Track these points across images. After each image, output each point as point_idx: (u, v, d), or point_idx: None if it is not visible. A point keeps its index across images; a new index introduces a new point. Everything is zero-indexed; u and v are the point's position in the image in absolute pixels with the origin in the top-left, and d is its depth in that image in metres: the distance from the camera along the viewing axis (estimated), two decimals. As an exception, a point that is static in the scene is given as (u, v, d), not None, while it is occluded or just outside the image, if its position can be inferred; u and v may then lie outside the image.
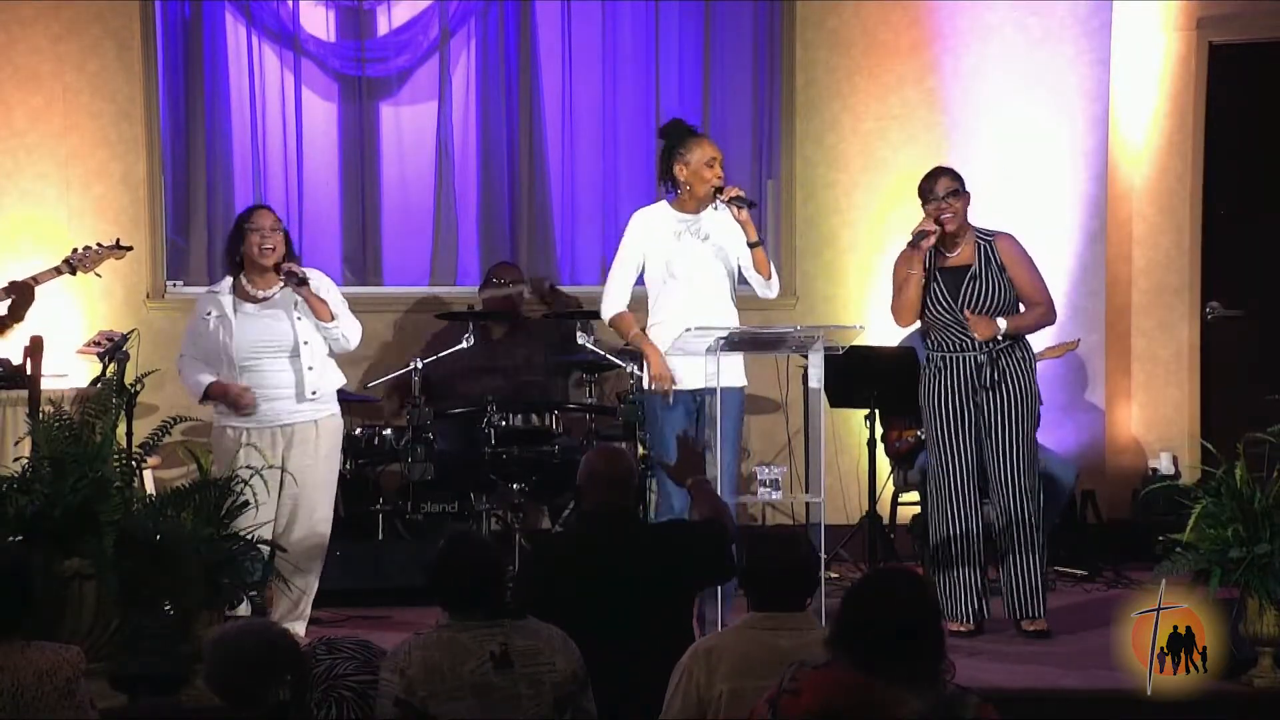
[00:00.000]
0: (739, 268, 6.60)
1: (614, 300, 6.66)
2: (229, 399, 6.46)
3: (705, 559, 5.09)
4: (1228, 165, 8.72)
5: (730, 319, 6.55)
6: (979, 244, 6.65)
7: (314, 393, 6.52)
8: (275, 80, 8.75)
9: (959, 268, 6.63)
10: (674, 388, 6.49)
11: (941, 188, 6.62)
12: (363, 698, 4.43)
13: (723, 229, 6.55)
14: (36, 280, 6.96)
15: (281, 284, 6.54)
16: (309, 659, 4.46)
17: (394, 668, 4.29)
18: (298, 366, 6.50)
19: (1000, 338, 6.59)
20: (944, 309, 6.63)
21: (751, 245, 6.50)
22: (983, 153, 8.53)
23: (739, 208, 6.45)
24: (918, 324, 8.10)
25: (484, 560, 4.43)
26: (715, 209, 6.57)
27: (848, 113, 8.66)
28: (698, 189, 6.53)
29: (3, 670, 4.28)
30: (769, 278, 6.57)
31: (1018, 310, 6.67)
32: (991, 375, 6.60)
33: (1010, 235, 6.74)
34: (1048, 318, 6.80)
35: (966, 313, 6.57)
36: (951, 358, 6.65)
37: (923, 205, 6.65)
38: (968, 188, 6.68)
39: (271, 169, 8.74)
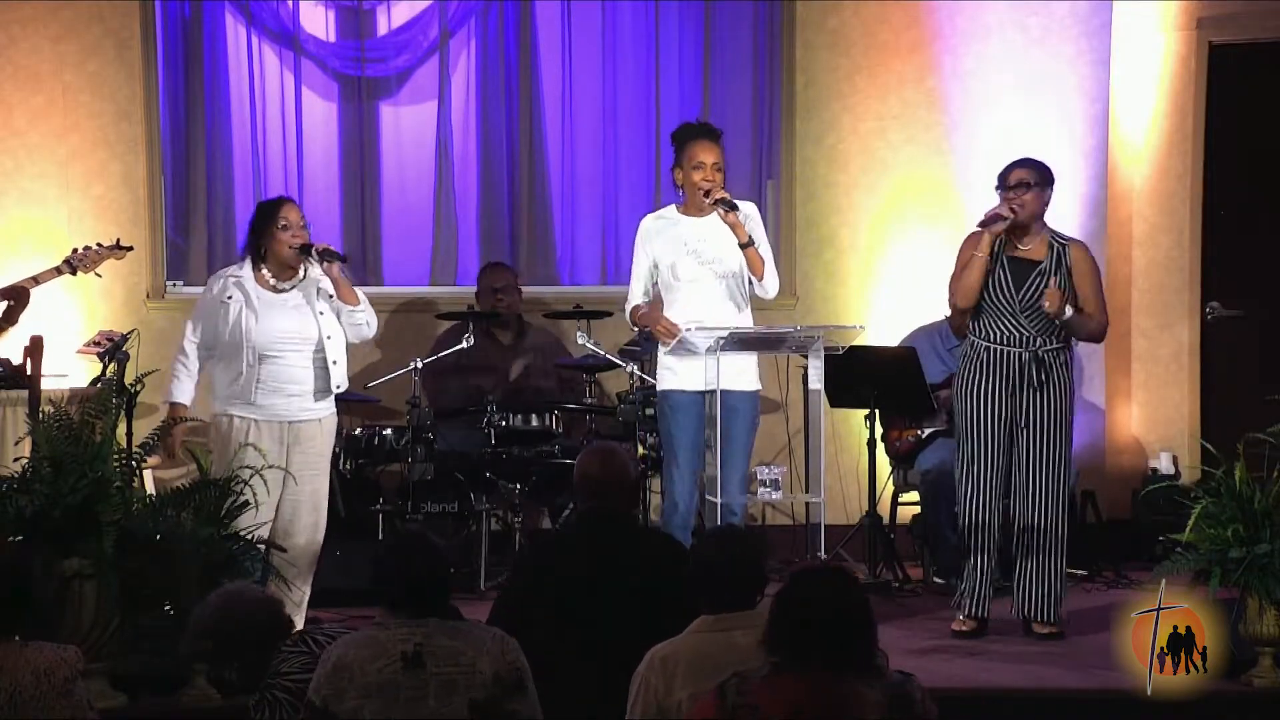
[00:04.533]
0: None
1: (628, 304, 6.72)
2: (169, 430, 6.37)
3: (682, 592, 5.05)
4: (1228, 165, 8.72)
5: (738, 320, 6.55)
6: (1052, 244, 6.62)
7: (338, 386, 6.50)
8: (275, 80, 8.75)
9: (1028, 261, 6.59)
10: (684, 334, 6.48)
11: (1013, 179, 6.60)
12: (298, 698, 4.37)
13: (726, 230, 6.56)
14: (37, 280, 6.96)
15: (302, 276, 6.51)
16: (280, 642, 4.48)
17: (317, 668, 4.25)
18: (319, 361, 6.46)
19: (1050, 339, 6.55)
20: (1004, 297, 6.57)
21: (742, 246, 6.51)
22: (983, 153, 8.53)
23: (725, 210, 6.48)
24: (920, 323, 8.18)
25: (417, 560, 4.34)
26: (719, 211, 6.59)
27: (848, 113, 8.66)
28: (690, 192, 6.57)
29: (1, 670, 4.29)
30: (762, 278, 6.58)
31: None
32: (1036, 376, 6.56)
33: (1084, 244, 6.75)
34: (1102, 333, 6.77)
35: (1052, 280, 6.50)
36: (997, 350, 6.58)
37: (998, 193, 6.63)
38: (1049, 182, 6.66)
39: (271, 169, 8.74)
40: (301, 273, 6.52)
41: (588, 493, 5.16)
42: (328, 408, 6.55)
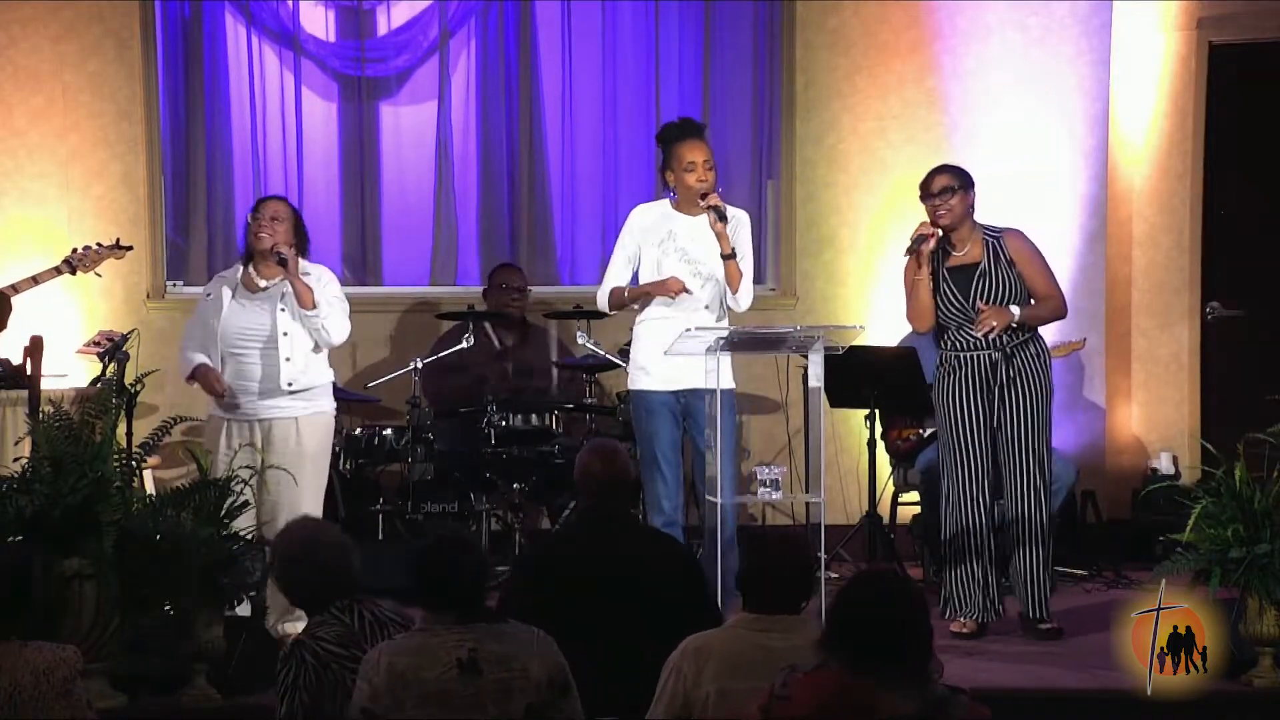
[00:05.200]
0: None
1: (604, 287, 6.69)
2: (206, 383, 6.50)
3: (681, 592, 5.06)
4: (1228, 165, 8.72)
5: (715, 323, 6.55)
6: (986, 241, 6.63)
7: (289, 384, 6.51)
8: (275, 80, 8.75)
9: (967, 265, 6.61)
10: (684, 293, 6.48)
11: (936, 185, 6.61)
12: (324, 668, 4.40)
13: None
14: (36, 280, 6.97)
15: (281, 276, 6.56)
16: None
17: (364, 674, 4.23)
18: (275, 358, 6.52)
19: (1014, 334, 6.56)
20: (955, 308, 6.60)
21: (724, 257, 6.52)
22: (983, 153, 8.53)
23: (715, 218, 6.48)
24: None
25: (463, 561, 4.32)
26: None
27: (848, 113, 8.66)
28: (681, 192, 6.57)
29: (1, 670, 4.29)
30: (736, 292, 6.58)
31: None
32: (1006, 373, 6.58)
33: (1018, 231, 6.73)
34: (1060, 311, 6.76)
35: (980, 304, 6.53)
36: (966, 356, 6.61)
37: (923, 204, 6.66)
38: (971, 184, 6.66)
39: (271, 169, 8.74)
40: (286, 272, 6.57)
41: (589, 491, 5.15)
42: (306, 406, 6.57)
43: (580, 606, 4.85)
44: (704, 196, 6.49)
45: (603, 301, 6.75)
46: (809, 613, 4.42)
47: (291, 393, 6.53)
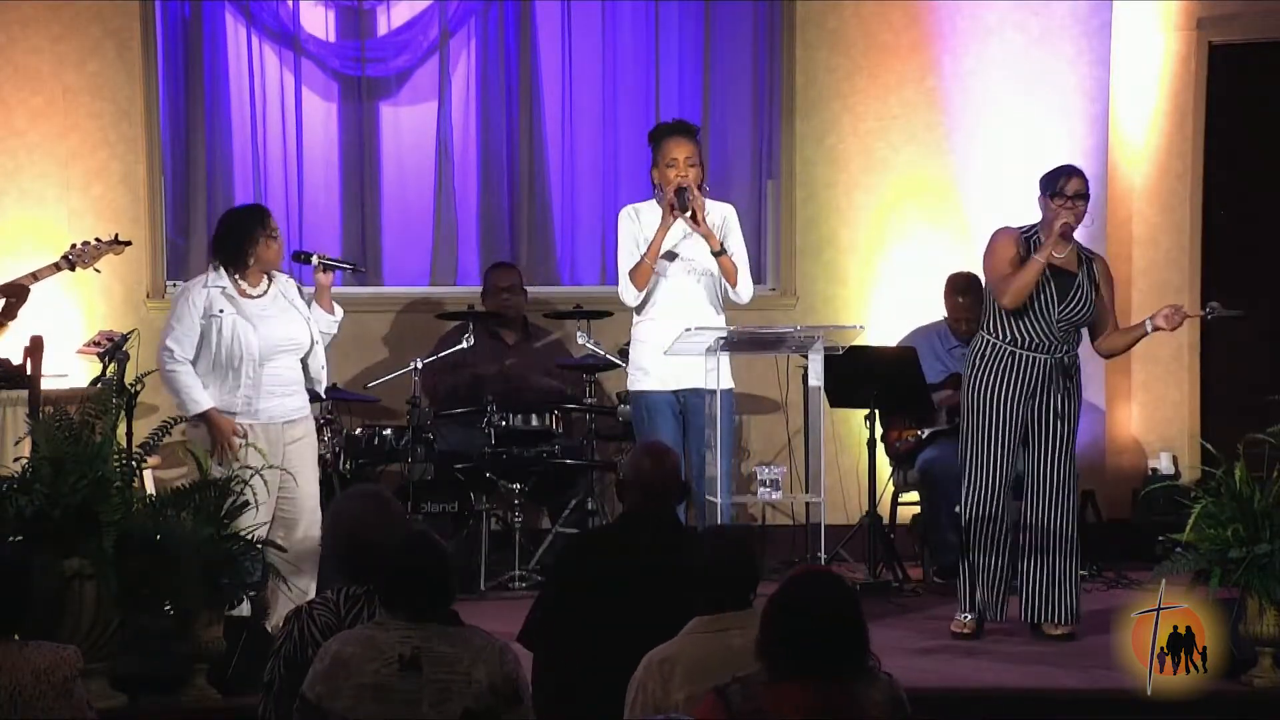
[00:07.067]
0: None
1: (622, 278, 6.66)
2: (219, 433, 6.41)
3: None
4: (1228, 165, 8.72)
5: (713, 320, 6.56)
6: (1081, 257, 6.60)
7: (325, 390, 6.66)
8: (275, 80, 8.75)
9: (1067, 272, 6.54)
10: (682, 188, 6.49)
11: (1073, 188, 6.49)
12: (303, 648, 4.44)
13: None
14: (36, 277, 6.97)
15: (270, 281, 6.57)
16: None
17: (315, 659, 4.24)
18: (306, 362, 6.59)
19: (1072, 345, 6.55)
20: (1044, 304, 6.51)
21: (715, 254, 6.52)
22: (983, 153, 8.54)
23: (680, 211, 6.48)
24: (920, 323, 8.18)
25: (423, 563, 4.29)
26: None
27: (848, 113, 8.66)
28: (666, 190, 6.57)
29: (1, 670, 4.29)
30: (735, 285, 6.59)
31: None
32: (1060, 382, 6.49)
33: (1104, 259, 6.75)
34: None
35: (1172, 307, 6.57)
36: (1022, 355, 6.54)
37: (1047, 199, 6.52)
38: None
39: (271, 169, 8.74)
40: (269, 278, 6.58)
41: (638, 490, 5.08)
42: (308, 405, 6.67)
43: (616, 608, 4.80)
44: (679, 191, 6.48)
45: (627, 292, 6.67)
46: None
47: (308, 393, 6.61)
